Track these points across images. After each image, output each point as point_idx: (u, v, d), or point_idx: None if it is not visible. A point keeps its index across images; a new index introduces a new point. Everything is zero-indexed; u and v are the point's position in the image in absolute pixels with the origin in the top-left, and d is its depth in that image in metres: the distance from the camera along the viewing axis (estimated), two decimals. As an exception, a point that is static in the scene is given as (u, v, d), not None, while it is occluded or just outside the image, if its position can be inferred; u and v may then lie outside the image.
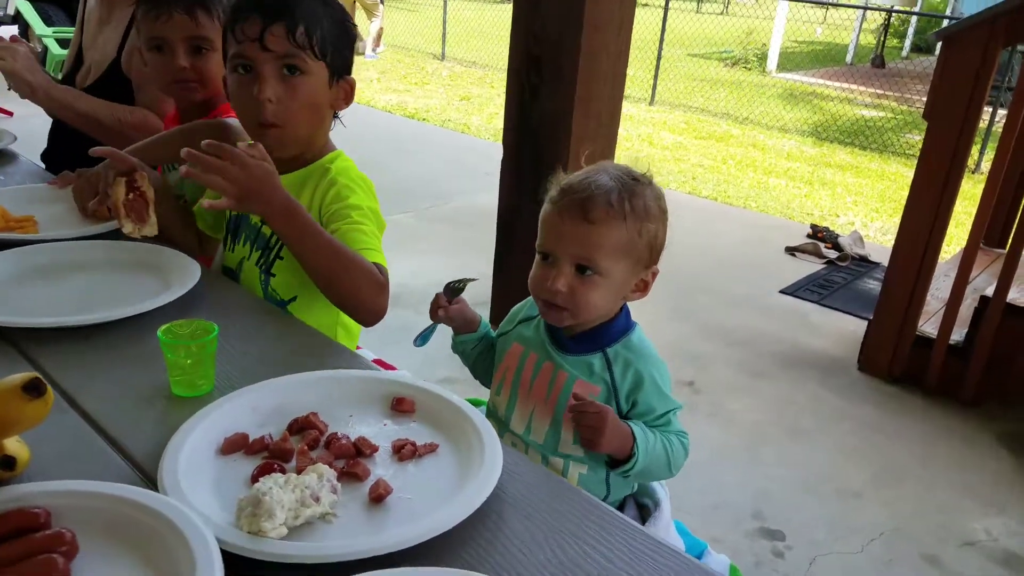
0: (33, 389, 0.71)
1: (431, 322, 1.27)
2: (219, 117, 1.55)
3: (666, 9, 9.29)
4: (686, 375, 3.06)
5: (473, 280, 1.28)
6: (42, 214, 1.55)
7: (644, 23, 8.48)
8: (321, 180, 1.33)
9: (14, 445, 0.77)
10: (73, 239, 1.44)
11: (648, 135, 7.47)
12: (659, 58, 9.13)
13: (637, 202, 1.09)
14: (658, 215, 1.13)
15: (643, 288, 1.16)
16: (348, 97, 1.36)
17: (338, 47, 1.30)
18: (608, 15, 2.86)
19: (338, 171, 1.34)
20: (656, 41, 9.14)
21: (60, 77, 2.05)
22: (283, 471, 0.83)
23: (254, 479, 0.83)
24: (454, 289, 1.25)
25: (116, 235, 1.47)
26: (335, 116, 1.39)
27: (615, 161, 1.25)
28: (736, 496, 2.35)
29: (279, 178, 1.17)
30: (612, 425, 1.07)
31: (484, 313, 3.35)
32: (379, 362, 1.86)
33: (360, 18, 10.79)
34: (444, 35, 11.19)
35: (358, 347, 1.76)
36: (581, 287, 1.10)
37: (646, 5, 13.14)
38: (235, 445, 0.89)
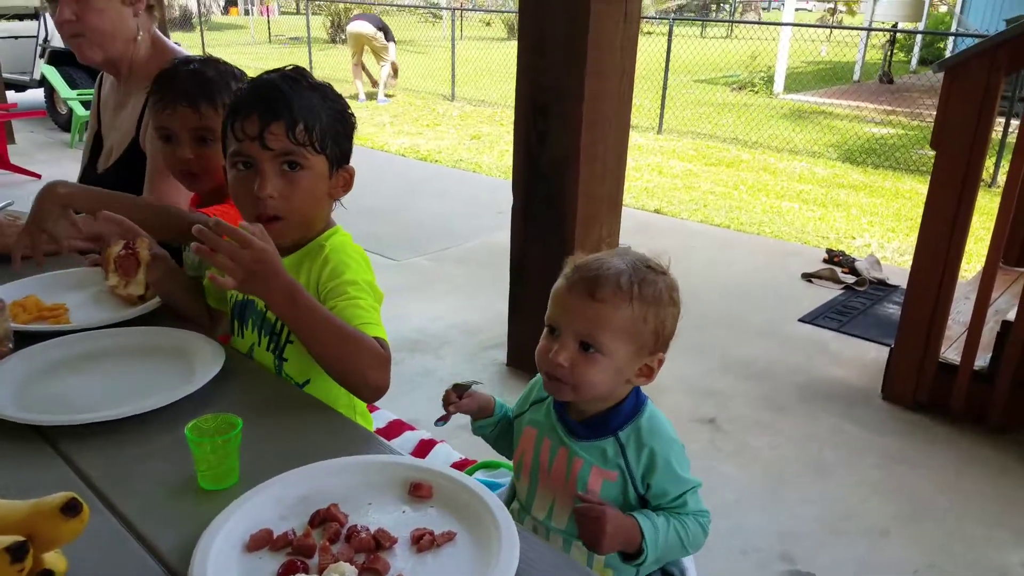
0: (70, 509, 0.75)
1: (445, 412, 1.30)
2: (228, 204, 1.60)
3: (670, 36, 9.37)
4: (706, 412, 3.06)
5: (479, 383, 1.32)
6: (73, 299, 1.60)
7: (649, 50, 8.54)
8: (316, 258, 1.34)
9: (51, 557, 0.81)
10: (103, 327, 1.48)
11: (658, 164, 7.51)
12: (665, 86, 9.20)
13: (647, 288, 1.11)
14: (668, 304, 1.14)
15: (648, 374, 1.16)
16: (347, 185, 1.38)
17: (337, 139, 1.32)
18: (610, 63, 2.92)
19: (332, 248, 1.34)
20: (661, 69, 9.22)
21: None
22: (306, 568, 0.87)
23: (280, 579, 0.86)
24: (462, 386, 1.29)
25: (145, 321, 1.52)
26: (336, 200, 1.41)
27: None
28: (763, 538, 2.33)
29: (281, 261, 1.19)
30: (613, 529, 1.08)
31: (501, 355, 3.38)
32: (398, 423, 1.89)
33: (370, 62, 11.01)
34: (453, 76, 11.37)
35: (374, 408, 1.79)
36: (582, 363, 1.11)
37: (650, 33, 13.28)
38: (260, 542, 0.92)
